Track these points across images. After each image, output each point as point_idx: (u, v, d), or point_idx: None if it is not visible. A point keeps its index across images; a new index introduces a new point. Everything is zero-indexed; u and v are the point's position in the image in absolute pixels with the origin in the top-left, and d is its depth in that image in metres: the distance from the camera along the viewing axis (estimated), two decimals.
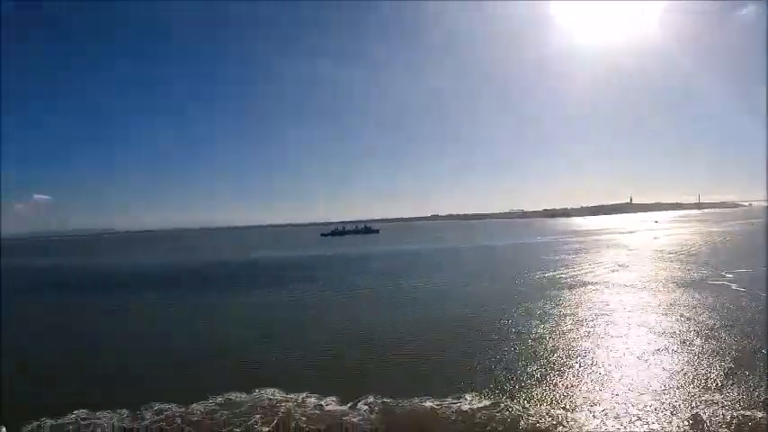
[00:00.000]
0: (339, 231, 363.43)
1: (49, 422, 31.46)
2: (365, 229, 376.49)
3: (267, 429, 29.41)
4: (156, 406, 33.16)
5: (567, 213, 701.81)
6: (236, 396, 34.35)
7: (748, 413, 27.70)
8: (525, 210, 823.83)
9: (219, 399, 33.96)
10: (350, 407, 31.57)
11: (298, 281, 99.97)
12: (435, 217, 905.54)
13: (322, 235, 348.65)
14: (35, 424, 30.90)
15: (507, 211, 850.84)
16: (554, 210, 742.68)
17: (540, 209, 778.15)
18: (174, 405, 33.24)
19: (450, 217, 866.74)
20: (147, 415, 32.34)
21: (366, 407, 31.33)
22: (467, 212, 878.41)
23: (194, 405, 33.06)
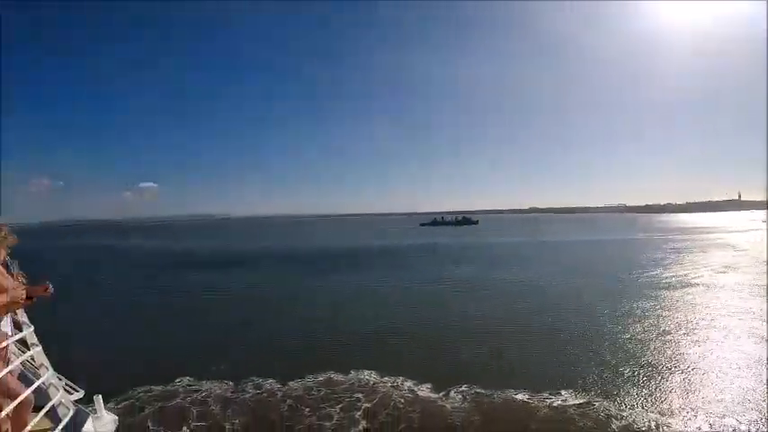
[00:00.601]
0: (438, 221, 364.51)
1: (159, 387, 34.82)
2: (464, 219, 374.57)
3: (368, 405, 31.03)
4: (256, 381, 35.67)
5: (670, 209, 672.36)
6: (333, 376, 36.34)
7: None
8: (627, 204, 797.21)
9: (318, 378, 36.11)
10: (443, 394, 32.65)
11: (395, 267, 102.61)
12: (534, 209, 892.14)
13: (421, 225, 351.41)
14: (142, 389, 34.16)
15: (607, 205, 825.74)
16: (657, 205, 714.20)
17: (642, 204, 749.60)
18: (272, 380, 35.58)
19: (549, 210, 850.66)
20: (249, 388, 34.76)
21: (459, 395, 32.35)
22: (566, 205, 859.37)
23: (292, 383, 35.27)
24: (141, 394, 33.99)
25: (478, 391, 32.86)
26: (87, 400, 8.64)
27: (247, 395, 33.86)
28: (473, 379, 34.73)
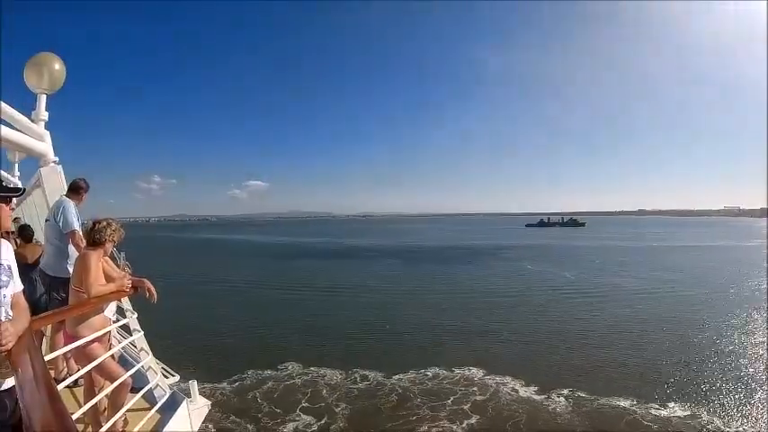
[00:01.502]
0: (544, 223, 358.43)
1: (267, 372, 37.93)
2: (571, 221, 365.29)
3: (476, 400, 32.71)
4: (362, 372, 38.03)
5: None
6: (439, 371, 38.25)
7: None
8: (742, 207, 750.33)
9: (426, 372, 38.20)
10: (546, 397, 33.63)
11: (504, 269, 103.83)
12: (642, 212, 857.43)
13: (527, 225, 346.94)
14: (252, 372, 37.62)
15: (721, 208, 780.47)
16: None
17: (758, 207, 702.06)
18: (378, 372, 37.94)
19: (657, 212, 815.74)
20: (356, 378, 37.10)
21: (562, 399, 33.21)
22: (676, 208, 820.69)
23: (398, 375, 37.52)
24: (242, 380, 36.98)
25: (581, 395, 33.64)
26: (183, 386, 9.43)
27: (355, 384, 36.27)
28: (576, 383, 35.62)
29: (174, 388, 8.78)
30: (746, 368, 39.99)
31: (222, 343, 46.87)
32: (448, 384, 36.14)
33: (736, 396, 34.40)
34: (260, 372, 38.14)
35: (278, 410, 31.85)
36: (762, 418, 31.31)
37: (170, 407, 7.96)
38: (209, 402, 10.10)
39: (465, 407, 32.53)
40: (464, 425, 30.03)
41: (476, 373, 38.17)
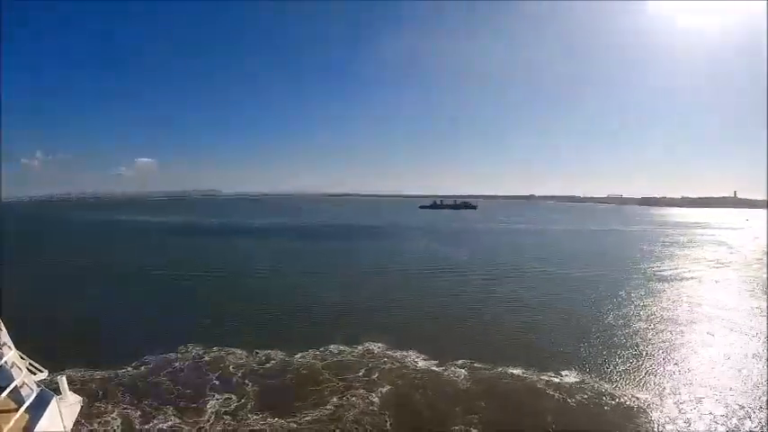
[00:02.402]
0: (437, 205, 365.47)
1: (170, 355, 37.14)
2: (463, 204, 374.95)
3: (377, 376, 33.36)
4: (264, 351, 37.98)
5: (665, 203, 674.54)
6: (342, 347, 38.92)
7: None
8: (624, 196, 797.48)
9: (328, 348, 38.79)
10: (444, 368, 35.10)
11: (395, 248, 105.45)
12: (532, 197, 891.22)
13: (420, 207, 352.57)
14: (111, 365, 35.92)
15: (606, 195, 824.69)
16: (652, 198, 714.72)
17: (639, 196, 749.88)
18: (279, 351, 37.96)
19: (546, 198, 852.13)
20: (261, 357, 36.85)
21: (461, 369, 34.88)
22: (563, 194, 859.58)
23: (297, 356, 37.55)
24: (145, 364, 35.95)
25: (477, 365, 35.64)
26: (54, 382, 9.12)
27: (262, 364, 36.13)
28: (473, 354, 37.61)
29: (42, 385, 8.28)
30: (632, 340, 43.88)
31: (111, 329, 44.84)
32: (353, 358, 37.00)
33: (621, 364, 37.59)
34: (162, 355, 37.08)
35: (188, 392, 31.21)
36: (640, 379, 34.53)
37: (39, 406, 7.50)
38: (81, 399, 9.78)
39: (374, 377, 33.52)
40: (378, 393, 30.92)
41: (378, 347, 39.34)
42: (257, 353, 37.64)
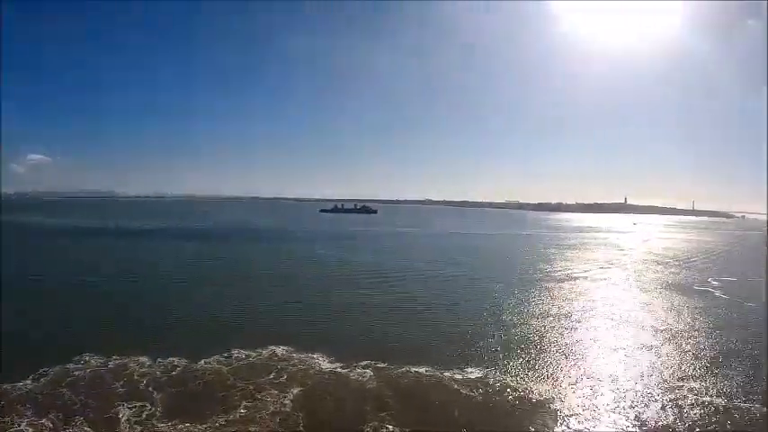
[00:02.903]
0: (339, 209, 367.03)
1: (68, 366, 35.02)
2: (364, 208, 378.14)
3: (284, 379, 33.25)
4: (168, 360, 36.59)
5: (560, 208, 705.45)
6: (246, 352, 38.42)
7: (721, 400, 32.46)
8: (520, 201, 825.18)
9: (227, 355, 37.99)
10: (350, 369, 35.77)
11: (300, 251, 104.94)
12: (429, 201, 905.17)
13: (321, 211, 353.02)
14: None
15: (504, 201, 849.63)
16: (548, 204, 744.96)
17: (535, 202, 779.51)
18: (183, 359, 36.78)
19: (443, 202, 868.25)
20: (166, 365, 35.69)
21: (366, 370, 35.64)
22: (461, 199, 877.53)
23: (201, 362, 36.53)
24: (44, 375, 33.79)
25: (381, 365, 36.48)
26: None
27: (168, 372, 34.79)
28: (376, 355, 38.43)
29: None
30: (528, 336, 46.52)
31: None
32: (259, 362, 36.83)
33: (520, 358, 39.75)
34: (60, 366, 34.77)
35: (95, 402, 29.63)
36: (539, 372, 36.82)
37: None
38: None
39: (283, 379, 33.50)
40: (289, 394, 30.87)
41: (283, 350, 39.25)
42: (160, 361, 36.21)
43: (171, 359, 36.54)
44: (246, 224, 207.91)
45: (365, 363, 36.66)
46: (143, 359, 36.51)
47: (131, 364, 35.56)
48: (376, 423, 27.45)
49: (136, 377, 33.60)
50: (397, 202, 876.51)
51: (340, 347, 40.06)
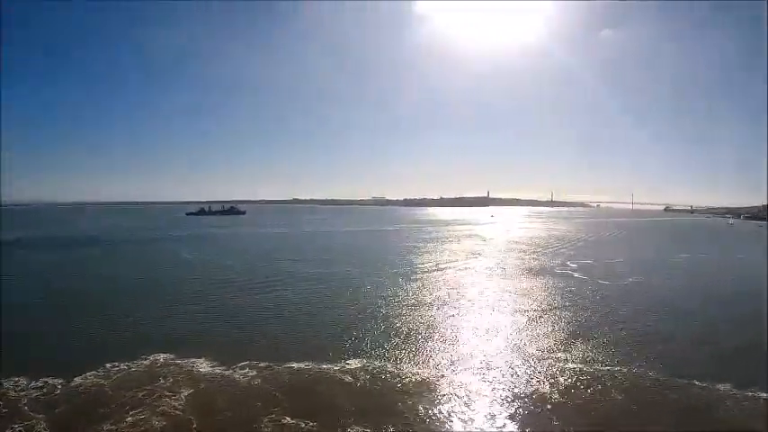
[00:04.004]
0: (206, 211, 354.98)
1: None
2: (232, 209, 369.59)
3: (169, 385, 32.77)
4: (42, 380, 34.11)
5: (426, 203, 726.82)
6: (116, 366, 37.08)
7: (584, 366, 37.31)
8: (388, 198, 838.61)
9: (103, 370, 36.24)
10: (233, 370, 36.21)
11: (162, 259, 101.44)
12: (296, 200, 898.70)
13: (187, 214, 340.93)
14: None
15: (371, 198, 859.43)
16: (414, 199, 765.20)
17: (402, 198, 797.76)
18: (55, 378, 34.44)
19: (311, 201, 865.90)
20: (37, 385, 33.48)
21: (250, 371, 36.38)
22: (329, 197, 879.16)
23: (77, 380, 34.63)
24: None
25: (261, 365, 37.10)
26: None
27: (41, 393, 32.60)
28: (255, 355, 39.17)
29: None
30: (403, 325, 49.33)
31: None
32: (140, 371, 36.03)
33: (395, 345, 42.37)
34: None
35: None
36: (416, 357, 39.42)
37: None
38: None
39: (168, 385, 33.21)
40: (178, 400, 30.82)
41: (164, 357, 38.68)
42: (32, 382, 33.78)
43: (45, 380, 34.10)
44: (113, 230, 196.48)
45: (245, 363, 37.10)
46: (17, 379, 34.15)
47: (7, 384, 33.39)
48: (271, 416, 28.64)
49: (11, 397, 31.76)
50: (266, 202, 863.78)
51: (219, 350, 40.14)
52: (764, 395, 31.83)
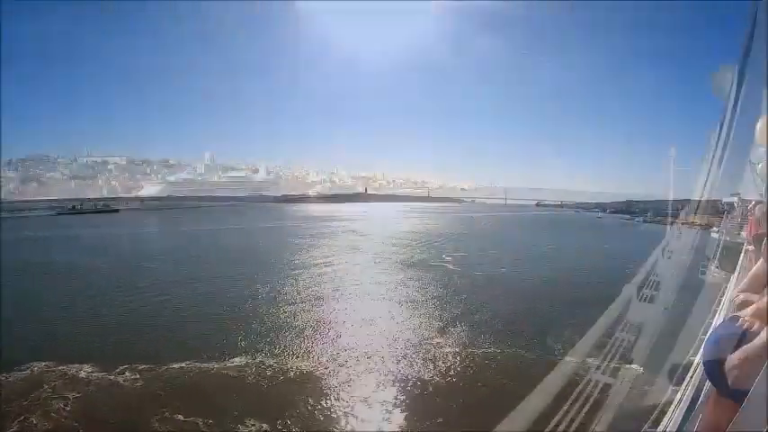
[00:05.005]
0: (77, 210, 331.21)
1: None
2: (104, 207, 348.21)
3: (51, 393, 32.13)
4: None
5: (304, 200, 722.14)
6: None
7: (458, 349, 40.96)
8: (264, 194, 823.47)
9: None
10: (114, 375, 36.09)
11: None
12: (170, 198, 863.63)
13: (58, 214, 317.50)
14: None
15: (246, 195, 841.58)
16: (293, 195, 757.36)
17: (280, 194, 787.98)
18: None
19: (184, 198, 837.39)
20: None
21: (129, 373, 36.45)
22: (206, 195, 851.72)
23: None
24: None
25: (143, 367, 37.06)
26: None
27: None
28: (133, 358, 38.65)
29: None
30: (285, 320, 50.72)
31: None
32: (18, 381, 34.70)
33: (280, 341, 43.71)
34: None
35: None
36: (301, 352, 41.11)
37: None
38: None
39: (49, 393, 32.53)
40: (62, 411, 30.29)
41: (42, 365, 37.20)
42: None
43: None
44: None
45: (124, 366, 36.76)
46: None
47: None
48: (159, 416, 29.43)
49: None
50: (140, 199, 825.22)
51: (97, 355, 39.39)
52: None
